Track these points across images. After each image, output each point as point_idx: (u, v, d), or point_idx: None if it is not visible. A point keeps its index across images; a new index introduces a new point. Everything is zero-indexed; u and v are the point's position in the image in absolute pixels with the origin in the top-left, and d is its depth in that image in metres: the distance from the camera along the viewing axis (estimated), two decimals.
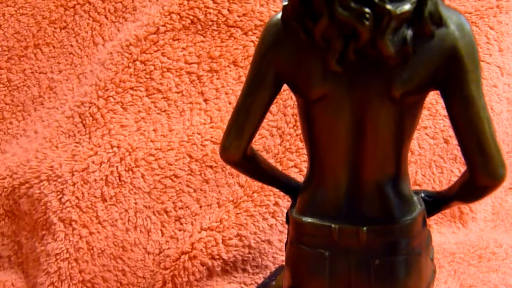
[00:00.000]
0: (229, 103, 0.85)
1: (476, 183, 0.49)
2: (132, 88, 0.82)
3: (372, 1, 0.44)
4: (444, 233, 0.89)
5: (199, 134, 0.82)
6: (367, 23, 0.44)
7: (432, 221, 0.91)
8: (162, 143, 0.80)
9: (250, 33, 0.87)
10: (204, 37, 0.86)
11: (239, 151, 0.53)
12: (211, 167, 0.81)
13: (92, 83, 0.83)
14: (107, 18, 0.93)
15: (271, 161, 0.81)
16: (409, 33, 0.45)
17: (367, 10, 0.44)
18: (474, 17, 0.95)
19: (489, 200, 0.96)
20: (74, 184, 0.76)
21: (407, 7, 0.44)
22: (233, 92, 0.86)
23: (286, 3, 0.48)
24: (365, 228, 0.50)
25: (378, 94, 0.48)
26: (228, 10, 0.86)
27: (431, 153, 0.88)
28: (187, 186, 0.80)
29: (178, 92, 0.84)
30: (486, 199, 0.99)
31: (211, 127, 0.83)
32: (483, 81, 0.48)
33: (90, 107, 0.81)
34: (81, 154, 0.77)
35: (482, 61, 0.95)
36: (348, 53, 0.46)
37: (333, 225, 0.50)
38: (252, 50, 0.87)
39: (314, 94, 0.49)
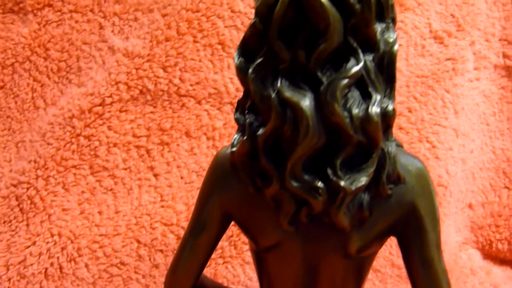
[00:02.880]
0: (181, 178, 0.75)
1: None
2: (74, 167, 0.70)
3: (325, 173, 0.36)
4: None
5: (148, 215, 0.71)
6: (320, 198, 0.37)
7: (389, 284, 0.84)
8: (108, 228, 0.69)
9: (203, 101, 0.76)
10: (154, 107, 0.75)
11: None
12: (161, 251, 0.71)
13: (31, 158, 0.71)
14: (49, 78, 0.81)
15: (225, 243, 0.72)
16: (365, 198, 0.38)
17: (320, 185, 0.36)
18: (431, 80, 0.87)
19: (444, 255, 0.90)
20: (9, 279, 0.64)
21: (363, 180, 0.36)
22: (186, 165, 0.75)
23: (234, 149, 0.39)
24: None
25: (332, 249, 0.41)
26: (180, 79, 0.76)
27: None
28: (135, 272, 0.69)
29: (125, 169, 0.72)
30: None
31: (161, 206, 0.72)
32: (440, 240, 0.41)
33: (28, 189, 0.69)
34: (18, 245, 0.65)
35: (438, 124, 0.88)
36: (301, 217, 0.38)
37: None
38: (205, 120, 0.77)
39: (265, 242, 0.42)
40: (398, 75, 0.85)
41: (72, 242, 0.67)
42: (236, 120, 0.39)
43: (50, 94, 0.79)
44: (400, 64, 0.84)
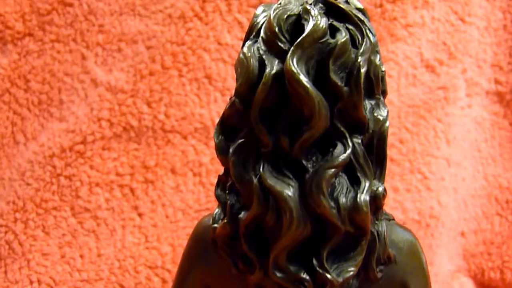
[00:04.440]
0: (166, 217, 0.72)
1: None
2: (55, 208, 0.67)
3: (311, 263, 0.33)
4: None
5: (132, 257, 0.68)
6: None
7: None
8: (90, 273, 0.66)
9: (189, 137, 0.73)
10: (138, 144, 0.71)
11: None
12: None
13: (9, 199, 0.67)
14: (30, 111, 0.77)
15: None
16: (354, 284, 0.35)
17: (305, 276, 0.33)
18: (423, 110, 0.85)
19: (436, 285, 0.88)
20: None
21: (351, 271, 0.34)
22: (171, 203, 0.72)
23: (215, 226, 0.36)
24: None
25: None
26: (165, 114, 0.72)
27: None
28: None
29: (108, 209, 0.69)
30: (433, 283, 0.92)
31: (146, 248, 0.69)
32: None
33: (6, 233, 0.65)
34: None
35: (430, 155, 0.85)
36: None
37: None
38: (191, 155, 0.74)
39: None
40: (389, 107, 0.83)
41: None
42: (217, 197, 0.36)
43: (31, 128, 0.76)
44: (391, 96, 0.81)
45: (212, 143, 0.74)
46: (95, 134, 0.69)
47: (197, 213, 0.72)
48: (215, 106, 0.73)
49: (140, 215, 0.70)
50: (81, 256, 0.67)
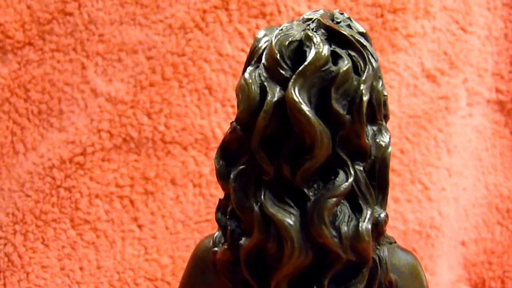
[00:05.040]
0: (166, 228, 0.71)
1: None
2: (54, 220, 0.67)
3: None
4: None
5: (131, 270, 0.68)
6: None
7: None
8: (89, 285, 0.65)
9: (189, 147, 0.73)
10: (138, 155, 0.71)
11: None
12: None
13: (9, 211, 0.67)
14: (29, 121, 0.77)
15: None
16: None
17: None
18: (423, 120, 0.84)
19: None
20: None
21: None
22: (171, 214, 0.71)
23: (216, 249, 0.35)
24: None
25: None
26: (165, 125, 0.72)
27: None
28: None
29: (108, 221, 0.69)
30: None
31: (145, 260, 0.68)
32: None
33: (5, 245, 0.65)
34: None
35: (431, 165, 0.85)
36: None
37: None
38: (192, 166, 0.74)
39: None
40: (390, 117, 0.83)
41: None
42: (217, 220, 0.36)
43: (31, 138, 0.75)
44: (392, 106, 0.81)
45: (212, 154, 0.74)
46: (95, 145, 0.69)
47: (197, 224, 0.71)
48: (216, 117, 0.73)
49: (139, 226, 0.70)
50: (81, 269, 0.67)
